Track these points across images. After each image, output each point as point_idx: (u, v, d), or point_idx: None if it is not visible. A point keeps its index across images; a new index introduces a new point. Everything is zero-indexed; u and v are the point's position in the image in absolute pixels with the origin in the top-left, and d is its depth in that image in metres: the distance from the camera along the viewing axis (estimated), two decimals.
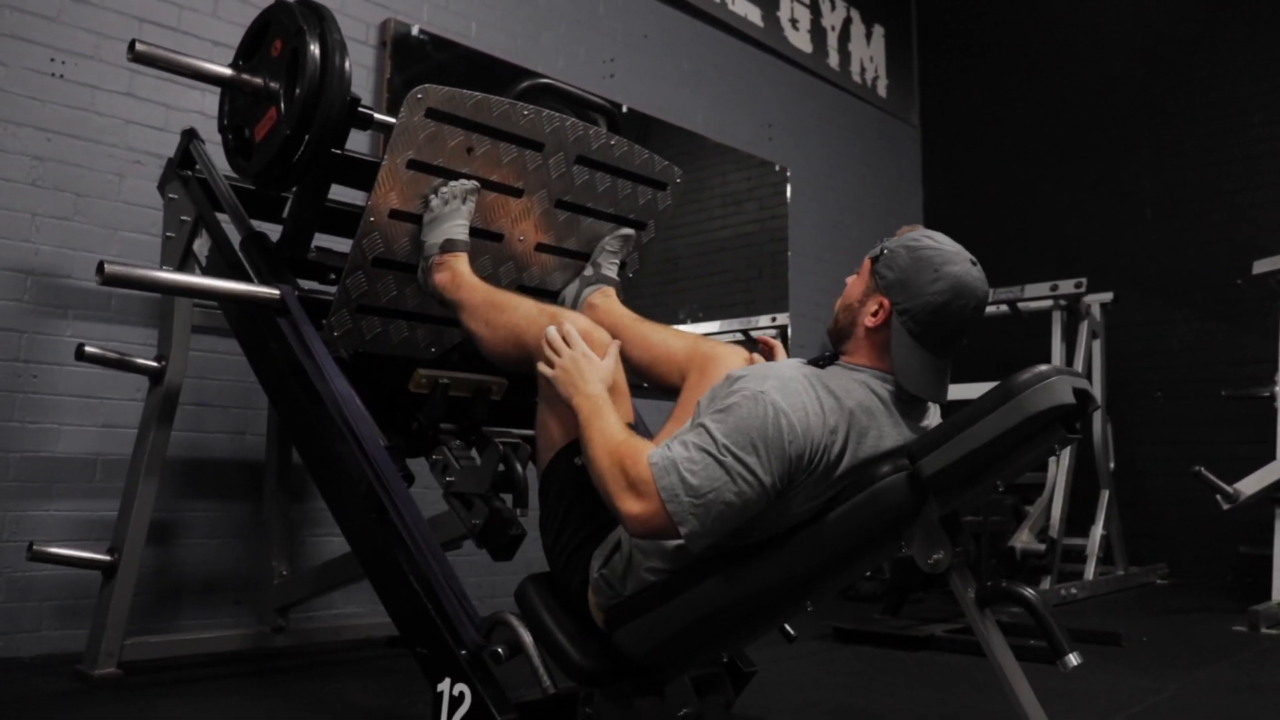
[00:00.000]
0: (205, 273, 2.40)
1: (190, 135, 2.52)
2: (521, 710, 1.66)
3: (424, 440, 2.14)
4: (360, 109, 2.18)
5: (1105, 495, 4.74)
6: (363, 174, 2.27)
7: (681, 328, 3.75)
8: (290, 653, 2.85)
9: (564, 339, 1.68)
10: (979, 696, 2.51)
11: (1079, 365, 4.70)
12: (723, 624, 1.56)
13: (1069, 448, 4.29)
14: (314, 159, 2.12)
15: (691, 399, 1.80)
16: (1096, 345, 4.85)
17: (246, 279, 2.22)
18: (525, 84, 2.34)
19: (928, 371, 1.51)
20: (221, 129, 2.35)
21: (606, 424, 1.55)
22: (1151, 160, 5.51)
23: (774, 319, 5.03)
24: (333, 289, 2.16)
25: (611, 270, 2.30)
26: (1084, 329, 4.77)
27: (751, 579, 1.50)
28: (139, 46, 2.16)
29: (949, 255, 1.50)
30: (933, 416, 1.64)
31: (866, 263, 1.57)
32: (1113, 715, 2.31)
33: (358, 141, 3.16)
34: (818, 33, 5.55)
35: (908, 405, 1.54)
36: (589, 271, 2.32)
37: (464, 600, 1.78)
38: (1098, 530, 4.64)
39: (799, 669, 2.79)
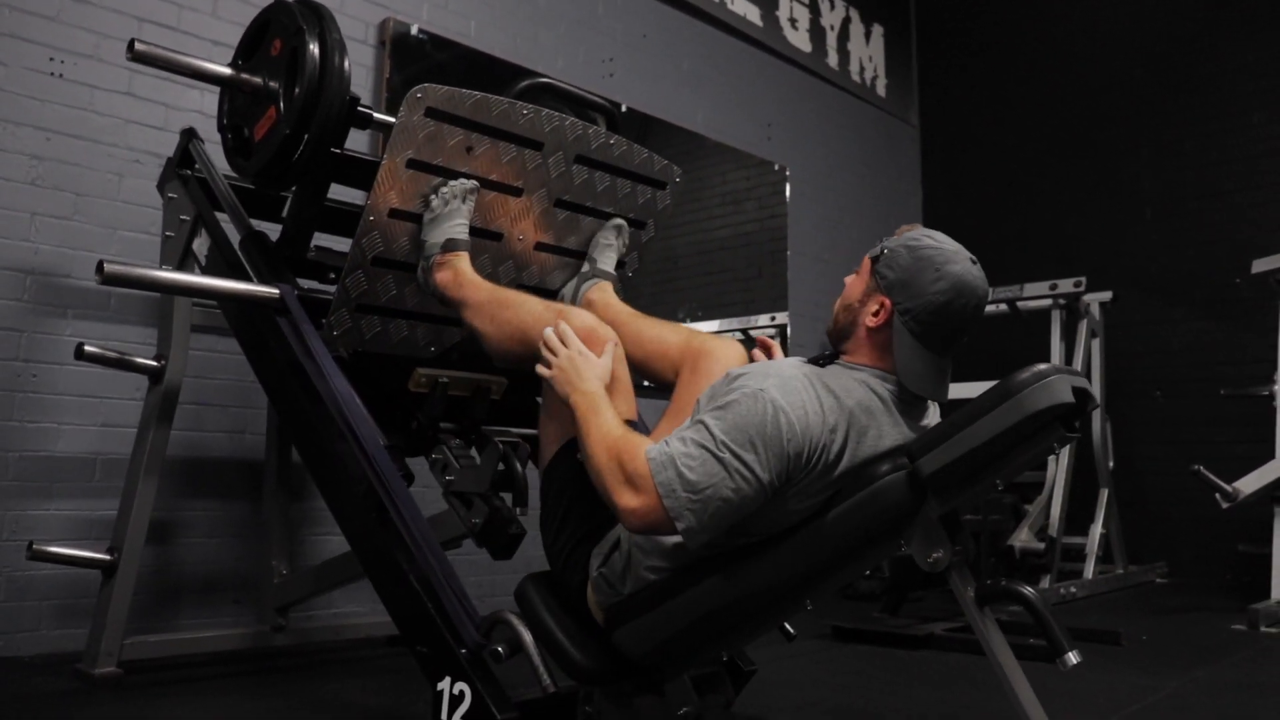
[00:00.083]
0: (205, 272, 2.40)
1: (190, 134, 2.52)
2: (521, 709, 1.66)
3: (424, 439, 2.14)
4: (360, 108, 2.18)
5: (1104, 494, 4.74)
6: (362, 173, 2.27)
7: None
8: (290, 652, 2.85)
9: (560, 339, 1.69)
10: (978, 695, 2.51)
11: (1078, 364, 4.70)
12: (723, 623, 1.56)
13: (1068, 446, 4.30)
14: (313, 158, 2.12)
15: (684, 395, 1.81)
16: (1096, 344, 4.85)
17: (246, 278, 2.22)
18: (525, 83, 2.34)
19: (929, 370, 1.51)
20: (221, 128, 2.35)
21: (603, 420, 1.55)
22: (1151, 160, 5.52)
23: (773, 318, 5.03)
24: (332, 288, 2.16)
25: (608, 264, 2.30)
26: (1083, 328, 4.77)
27: (751, 578, 1.50)
28: (138, 46, 2.16)
29: (950, 254, 1.50)
30: (933, 415, 1.64)
31: (866, 262, 1.57)
32: (1112, 714, 2.31)
33: (357, 141, 3.16)
34: (817, 32, 5.55)
35: (907, 404, 1.54)
36: (586, 268, 2.32)
37: (464, 599, 1.78)
38: (1097, 529, 4.64)
39: (798, 668, 2.80)
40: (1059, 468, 4.51)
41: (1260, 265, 4.21)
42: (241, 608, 2.98)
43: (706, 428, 1.43)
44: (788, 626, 2.24)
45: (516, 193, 2.18)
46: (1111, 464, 4.86)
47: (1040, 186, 5.92)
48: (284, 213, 2.40)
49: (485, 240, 2.18)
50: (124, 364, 2.53)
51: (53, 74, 2.78)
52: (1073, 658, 1.41)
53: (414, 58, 3.59)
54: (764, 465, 1.40)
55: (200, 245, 2.43)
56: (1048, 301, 4.82)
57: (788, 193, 5.21)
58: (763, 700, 2.35)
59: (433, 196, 2.05)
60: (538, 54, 4.05)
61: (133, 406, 2.73)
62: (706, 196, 5.00)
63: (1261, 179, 5.14)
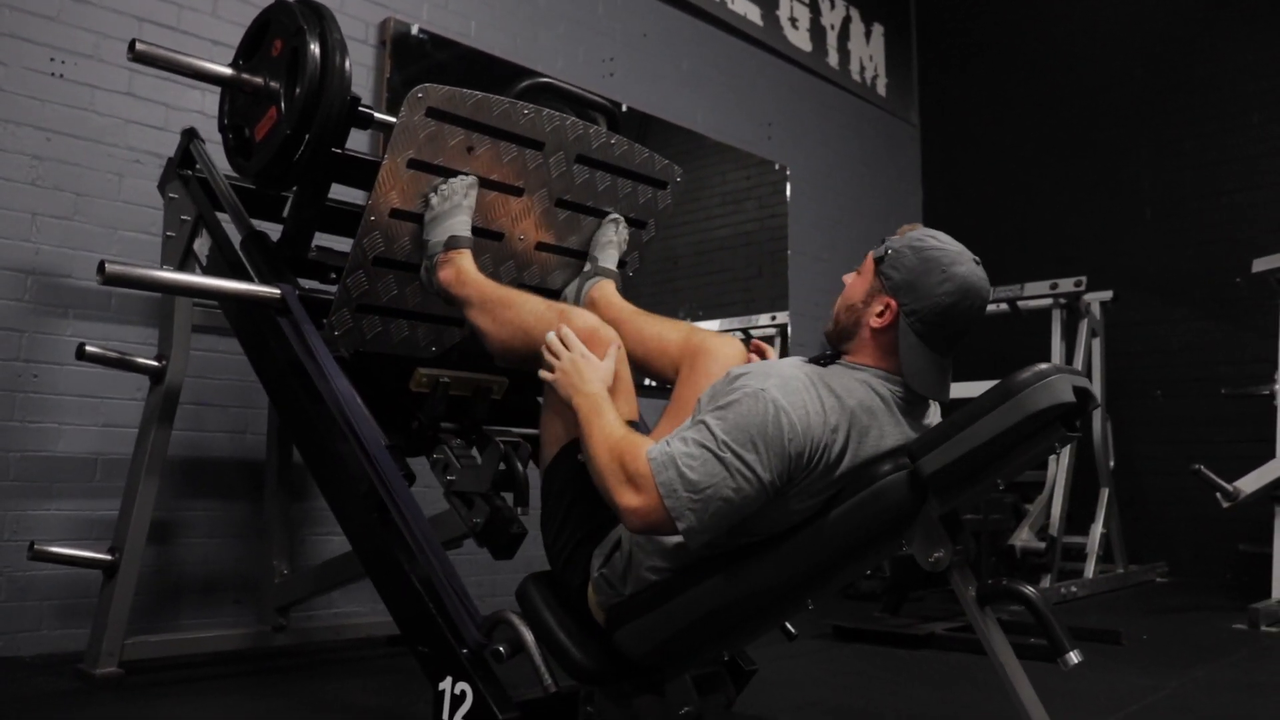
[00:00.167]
0: (206, 272, 2.40)
1: (190, 135, 2.53)
2: (523, 709, 1.67)
3: (425, 439, 2.14)
4: (360, 108, 2.18)
5: (1105, 493, 4.75)
6: (363, 173, 2.27)
7: None
8: (291, 652, 2.85)
9: (563, 341, 1.69)
10: (979, 695, 2.51)
11: (1078, 364, 4.70)
12: (723, 623, 1.56)
13: (1068, 446, 4.30)
14: (314, 158, 2.12)
15: (683, 393, 1.81)
16: (1096, 344, 4.85)
17: (247, 278, 2.22)
18: (525, 83, 2.34)
19: (934, 371, 1.51)
20: (222, 128, 2.36)
21: (605, 421, 1.55)
22: (1151, 159, 5.52)
23: (773, 318, 5.03)
24: (333, 288, 2.16)
25: (610, 262, 2.30)
26: (1083, 327, 4.77)
27: (752, 578, 1.50)
28: (139, 46, 2.16)
29: (955, 255, 1.50)
30: (933, 415, 1.64)
31: (869, 262, 1.56)
32: (1112, 713, 2.31)
33: (357, 141, 3.16)
34: (817, 32, 5.55)
35: (909, 405, 1.54)
36: (588, 267, 2.32)
37: (465, 599, 1.78)
38: (1097, 528, 4.64)
39: (799, 667, 2.80)
40: (1059, 467, 4.51)
41: (1260, 265, 4.21)
42: (242, 608, 2.98)
43: (708, 428, 1.43)
44: (789, 626, 2.24)
45: (517, 192, 2.18)
46: (1112, 463, 4.86)
47: (1040, 186, 5.92)
48: (285, 213, 2.40)
49: (486, 240, 2.18)
50: (125, 364, 2.53)
51: (53, 74, 2.78)
52: (1073, 657, 1.41)
53: (414, 58, 3.59)
54: (765, 465, 1.40)
55: (201, 245, 2.43)
56: (1048, 301, 4.82)
57: (788, 192, 5.21)
58: (764, 700, 2.35)
59: (432, 195, 2.05)
60: (538, 54, 4.05)
61: (134, 407, 2.73)
62: (706, 196, 5.00)
63: (1261, 179, 5.14)
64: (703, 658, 1.77)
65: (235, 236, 2.35)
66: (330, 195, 2.32)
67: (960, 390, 1.78)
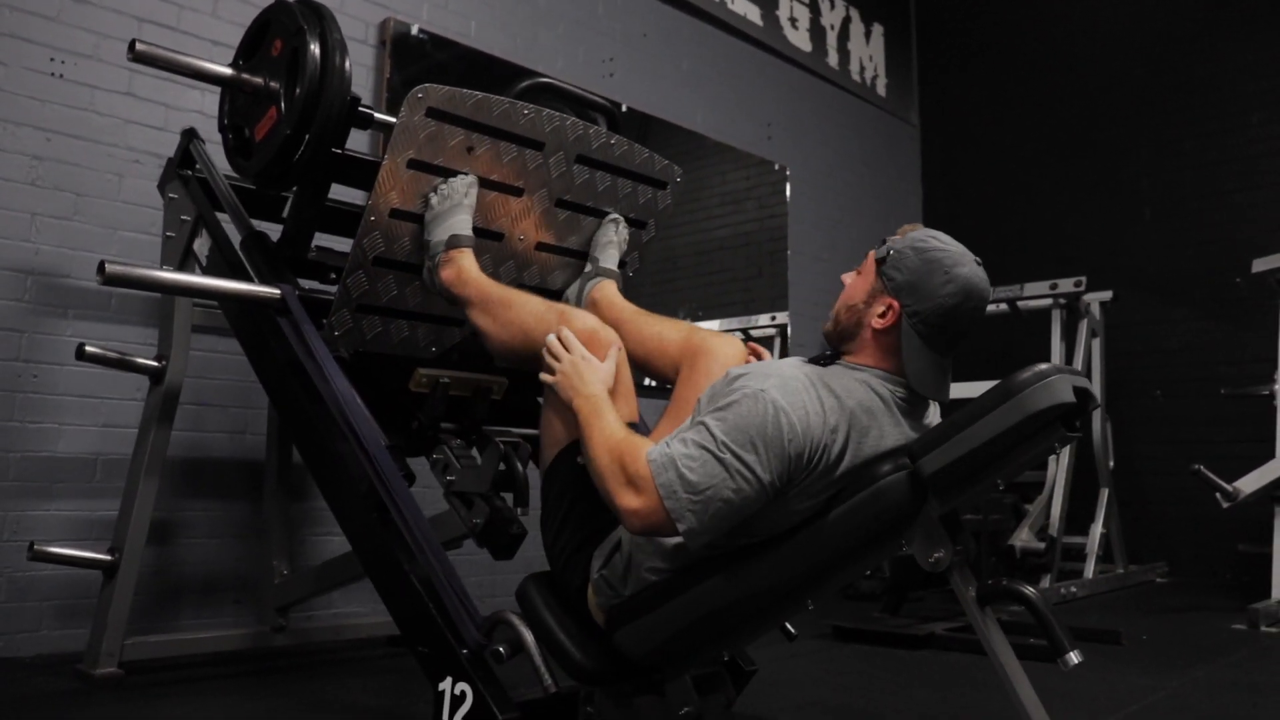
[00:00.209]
0: (205, 272, 2.40)
1: (190, 135, 2.53)
2: (523, 709, 1.66)
3: (424, 439, 2.14)
4: (360, 108, 2.18)
5: (1105, 494, 4.75)
6: (363, 173, 2.27)
7: None
8: (290, 652, 2.85)
9: (563, 344, 1.69)
10: (979, 695, 2.51)
11: (1078, 364, 4.70)
12: (723, 623, 1.56)
13: (1068, 446, 4.30)
14: (314, 158, 2.12)
15: (683, 394, 1.81)
16: (1096, 344, 4.85)
17: (247, 278, 2.22)
18: (525, 83, 2.34)
19: (935, 371, 1.52)
20: (221, 128, 2.35)
21: (605, 423, 1.55)
22: (1151, 159, 5.52)
23: (773, 318, 5.03)
24: (333, 288, 2.16)
25: (611, 262, 2.30)
26: (1083, 328, 4.77)
27: (752, 578, 1.50)
28: (139, 46, 2.16)
29: (957, 257, 1.50)
30: (933, 416, 1.64)
31: (870, 262, 1.56)
32: (1112, 713, 2.31)
33: (357, 141, 3.16)
34: (817, 32, 5.55)
35: (909, 405, 1.54)
36: (588, 267, 2.32)
37: (465, 599, 1.78)
38: (1097, 529, 4.64)
39: (799, 667, 2.80)
40: (1059, 467, 4.51)
41: (1260, 265, 4.21)
42: (242, 608, 2.98)
43: (707, 429, 1.43)
44: (789, 626, 2.24)
45: (517, 193, 2.18)
46: (1111, 464, 4.86)
47: (1040, 186, 5.92)
48: (284, 213, 2.40)
49: (487, 240, 2.18)
50: (125, 364, 2.53)
51: (53, 74, 2.78)
52: (1074, 657, 1.41)
53: (414, 58, 3.59)
54: (765, 466, 1.40)
55: (201, 245, 2.43)
56: (1048, 301, 4.82)
57: (788, 192, 5.21)
58: (764, 700, 2.35)
59: (432, 194, 2.05)
60: (538, 54, 4.05)
61: (133, 407, 2.73)
62: (706, 196, 5.00)
63: (1261, 179, 5.14)
64: (703, 658, 1.77)
65: (235, 237, 2.35)
66: (330, 195, 2.32)
67: (960, 390, 1.79)
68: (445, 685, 1.71)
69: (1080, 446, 4.66)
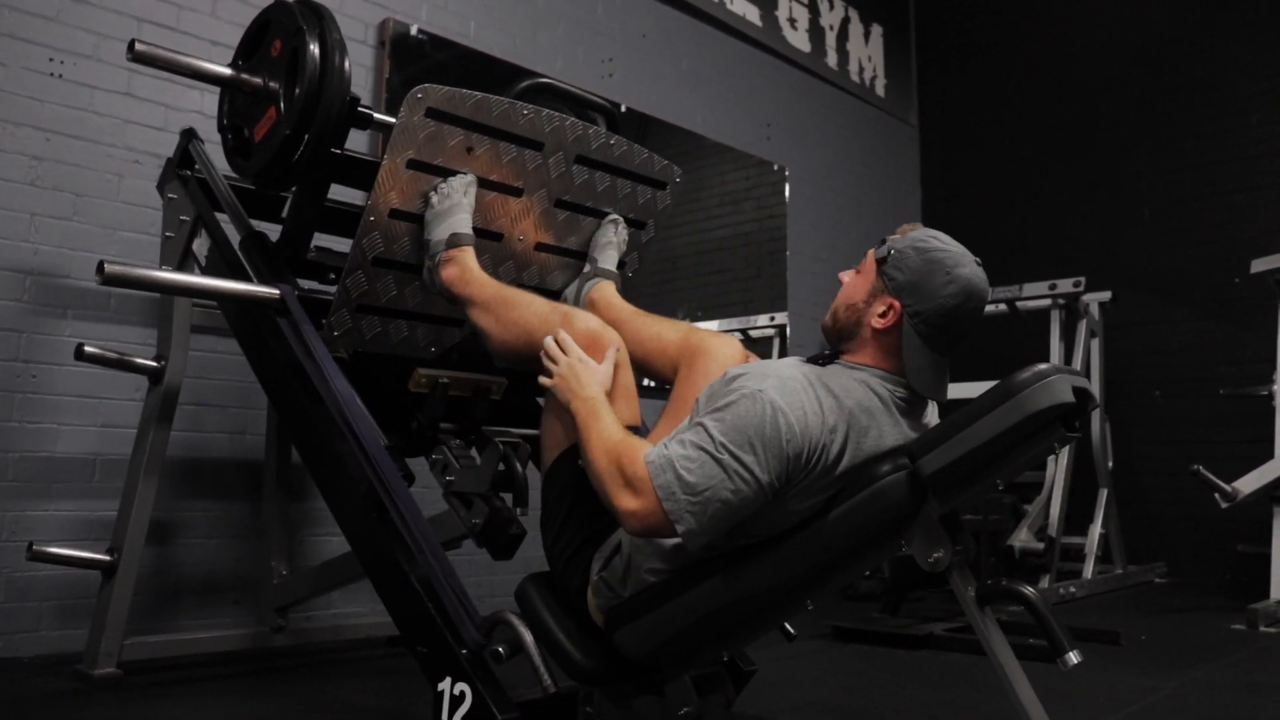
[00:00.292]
0: (205, 272, 2.40)
1: (189, 135, 2.52)
2: (522, 709, 1.66)
3: (424, 440, 2.14)
4: (360, 109, 2.18)
5: (1104, 494, 4.75)
6: (362, 173, 2.27)
7: None
8: (290, 652, 2.85)
9: (561, 347, 1.69)
10: (979, 695, 2.51)
11: (1077, 364, 4.70)
12: (723, 624, 1.56)
13: (1067, 447, 4.30)
14: (314, 159, 2.12)
15: (682, 393, 1.80)
16: (1095, 344, 4.85)
17: (246, 279, 2.22)
18: (525, 83, 2.34)
19: (934, 371, 1.51)
20: (221, 129, 2.35)
21: (603, 425, 1.55)
22: (1150, 160, 5.52)
23: (772, 318, 5.03)
24: (332, 289, 2.16)
25: (610, 263, 2.30)
26: (1082, 328, 4.77)
27: (751, 579, 1.50)
28: (138, 46, 2.16)
29: (958, 257, 1.49)
30: (931, 416, 1.64)
31: (870, 261, 1.55)
32: (1112, 713, 2.31)
33: (357, 141, 3.16)
34: (816, 32, 5.55)
35: (908, 405, 1.54)
36: (587, 267, 2.32)
37: (464, 599, 1.78)
38: (1096, 529, 4.64)
39: (799, 668, 2.80)
40: (1058, 468, 4.51)
41: (1259, 265, 4.21)
42: (241, 608, 2.98)
43: (705, 430, 1.43)
44: (788, 627, 2.24)
45: (517, 193, 2.18)
46: (1111, 464, 4.87)
47: (1039, 186, 5.92)
48: (284, 213, 2.40)
49: (486, 240, 2.17)
50: (124, 364, 2.53)
51: (52, 74, 2.78)
52: (1073, 657, 1.41)
53: (413, 58, 3.59)
54: (763, 466, 1.39)
55: (200, 246, 2.43)
56: (1047, 301, 4.82)
57: (787, 192, 5.21)
58: (763, 700, 2.35)
59: (432, 194, 2.05)
60: (537, 54, 4.05)
61: (133, 407, 2.73)
62: (706, 196, 5.01)
63: (1260, 179, 5.14)
64: (702, 658, 1.77)
65: (234, 237, 2.35)
66: (330, 195, 2.32)
67: (959, 391, 1.79)
68: (445, 685, 1.71)
69: (1079, 447, 4.66)
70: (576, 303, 2.25)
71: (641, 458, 1.45)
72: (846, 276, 1.60)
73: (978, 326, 1.53)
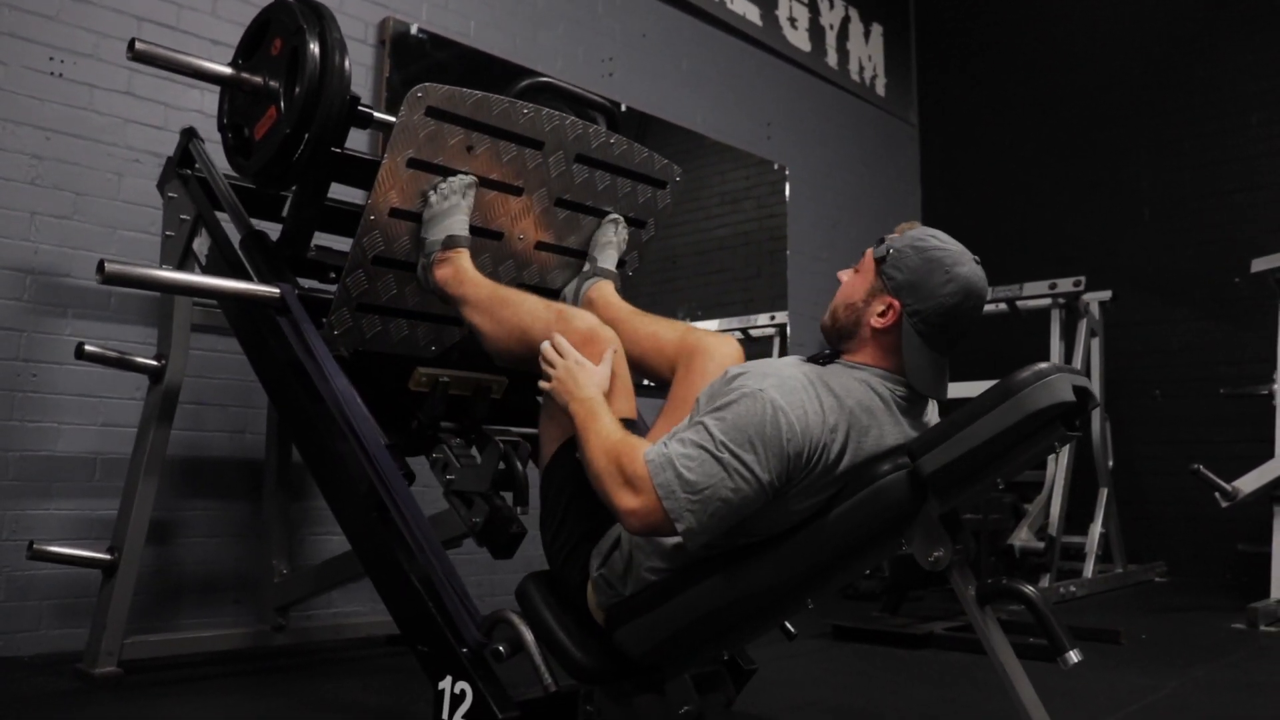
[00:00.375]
0: (205, 271, 2.40)
1: (190, 134, 2.52)
2: (523, 708, 1.67)
3: (424, 438, 2.14)
4: (360, 108, 2.18)
5: (1104, 493, 4.75)
6: (363, 173, 2.27)
7: None
8: (290, 651, 2.85)
9: (557, 350, 1.69)
10: (979, 694, 2.51)
11: (1077, 364, 4.70)
12: (723, 623, 1.56)
13: (1068, 446, 4.30)
14: (314, 157, 2.12)
15: (680, 393, 1.81)
16: (1095, 344, 4.85)
17: (246, 277, 2.22)
18: (525, 82, 2.35)
19: (933, 369, 1.52)
20: (221, 128, 2.35)
21: (601, 425, 1.55)
22: (1150, 159, 5.52)
23: (772, 317, 5.03)
24: (333, 288, 2.16)
25: (609, 262, 2.30)
26: (1083, 327, 4.77)
27: (752, 577, 1.50)
28: (139, 45, 2.16)
29: (956, 256, 1.49)
30: (931, 415, 1.64)
31: (869, 260, 1.55)
32: (1112, 713, 2.31)
33: (357, 140, 3.16)
34: (816, 31, 5.55)
35: (908, 404, 1.54)
36: (586, 267, 2.32)
37: (465, 598, 1.78)
38: (1096, 528, 4.64)
39: (799, 667, 2.80)
40: (1059, 467, 4.51)
41: (1259, 264, 4.21)
42: (241, 607, 2.98)
43: (705, 428, 1.43)
44: (788, 625, 2.24)
45: (517, 192, 2.18)
46: (1111, 463, 4.86)
47: (1040, 186, 5.92)
48: (284, 212, 2.40)
49: (486, 239, 2.18)
50: (124, 364, 2.53)
51: (52, 73, 2.78)
52: (1073, 656, 1.41)
53: (413, 57, 3.59)
54: (763, 465, 1.39)
55: (200, 245, 2.43)
56: (1047, 301, 4.82)
57: (787, 192, 5.21)
58: (763, 699, 2.35)
59: (431, 193, 2.05)
60: (537, 53, 4.05)
61: (133, 406, 2.73)
62: (706, 196, 5.00)
63: (1260, 179, 5.14)
64: (703, 657, 1.78)
65: (235, 236, 2.35)
66: (330, 195, 2.32)
67: (960, 390, 1.78)
68: (445, 684, 1.71)
69: (1079, 446, 4.66)
70: (575, 302, 2.25)
71: (641, 456, 1.45)
72: (845, 275, 1.60)
73: (977, 325, 1.53)
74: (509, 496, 2.08)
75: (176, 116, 2.97)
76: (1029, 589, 1.46)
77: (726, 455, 1.39)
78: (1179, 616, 3.92)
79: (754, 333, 4.98)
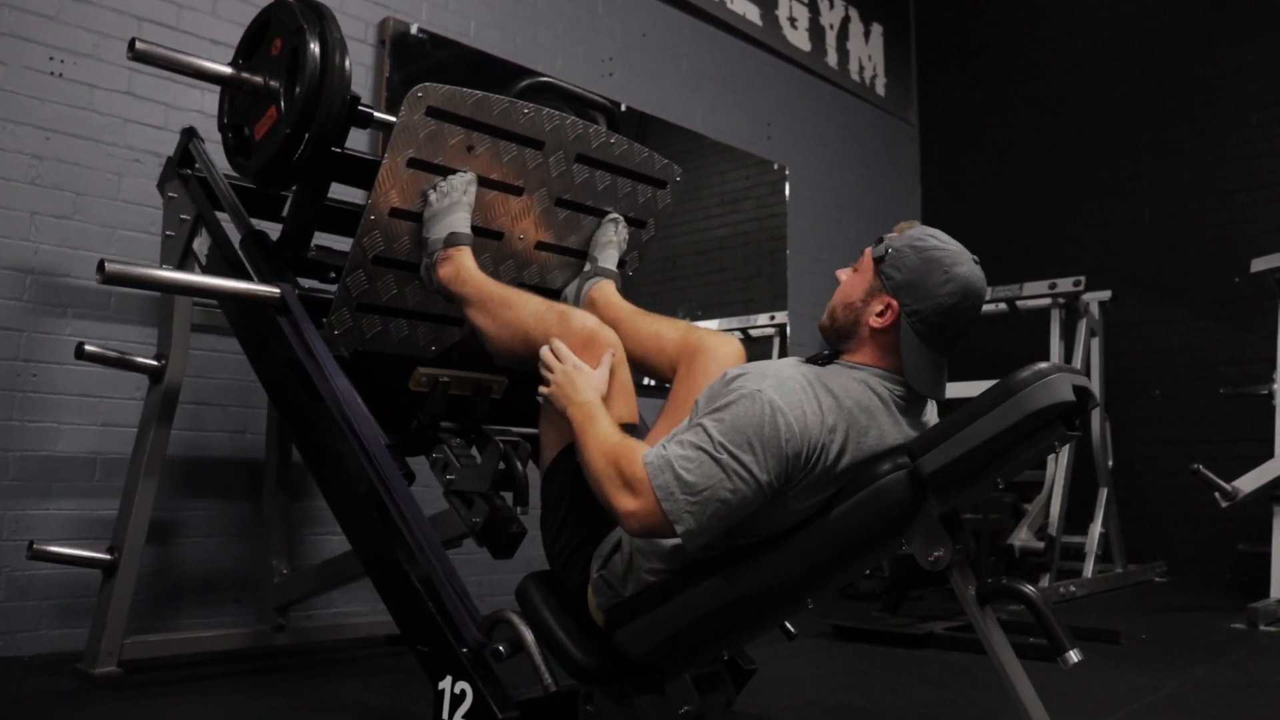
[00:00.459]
0: (205, 271, 2.40)
1: (190, 134, 2.52)
2: (523, 708, 1.67)
3: (424, 438, 2.14)
4: (360, 107, 2.18)
5: (1104, 493, 4.75)
6: (363, 172, 2.27)
7: None
8: (290, 651, 2.85)
9: (556, 355, 1.69)
10: (979, 694, 2.51)
11: (1077, 363, 4.70)
12: (723, 623, 1.56)
13: (1068, 446, 4.30)
14: (314, 157, 2.12)
15: (681, 392, 1.81)
16: (1095, 343, 4.85)
17: (246, 277, 2.22)
18: (525, 82, 2.35)
19: (932, 369, 1.51)
20: (221, 127, 2.36)
21: (599, 428, 1.55)
22: (1150, 159, 5.52)
23: (772, 317, 5.03)
24: (333, 287, 2.16)
25: (610, 262, 2.30)
26: (1082, 327, 4.77)
27: (752, 578, 1.50)
28: (139, 45, 2.16)
29: (955, 255, 1.49)
30: (931, 415, 1.64)
31: (868, 260, 1.55)
32: (1112, 713, 2.31)
33: (357, 140, 3.16)
34: (816, 31, 5.55)
35: (908, 404, 1.54)
36: (587, 267, 2.32)
37: (465, 598, 1.78)
38: (1096, 528, 4.64)
39: (799, 667, 2.80)
40: (1058, 467, 4.51)
41: (1259, 264, 4.21)
42: (242, 607, 2.98)
43: (704, 430, 1.43)
44: (788, 625, 2.24)
45: (517, 192, 2.18)
46: (1111, 463, 4.87)
47: (1040, 186, 5.92)
48: (284, 212, 2.40)
49: (486, 239, 2.18)
50: (124, 364, 2.53)
51: (52, 73, 2.78)
52: (1073, 656, 1.41)
53: (414, 57, 3.59)
54: (762, 466, 1.39)
55: (201, 244, 2.43)
56: (1047, 301, 4.82)
57: (787, 192, 5.21)
58: (763, 699, 2.35)
59: (431, 192, 2.05)
60: (537, 53, 4.05)
61: (133, 406, 2.73)
62: (706, 196, 5.01)
63: (1260, 179, 5.14)
64: (703, 657, 1.78)
65: (235, 236, 2.35)
66: (330, 195, 2.32)
67: (960, 390, 1.79)
68: (445, 684, 1.71)
69: (1079, 446, 4.67)
70: (576, 302, 2.25)
71: (639, 459, 1.45)
72: (844, 274, 1.60)
73: (976, 325, 1.53)
74: (509, 496, 2.08)
75: (177, 116, 2.97)
76: (1029, 589, 1.46)
77: (725, 456, 1.39)
78: (1179, 616, 3.92)
79: (754, 333, 4.98)
